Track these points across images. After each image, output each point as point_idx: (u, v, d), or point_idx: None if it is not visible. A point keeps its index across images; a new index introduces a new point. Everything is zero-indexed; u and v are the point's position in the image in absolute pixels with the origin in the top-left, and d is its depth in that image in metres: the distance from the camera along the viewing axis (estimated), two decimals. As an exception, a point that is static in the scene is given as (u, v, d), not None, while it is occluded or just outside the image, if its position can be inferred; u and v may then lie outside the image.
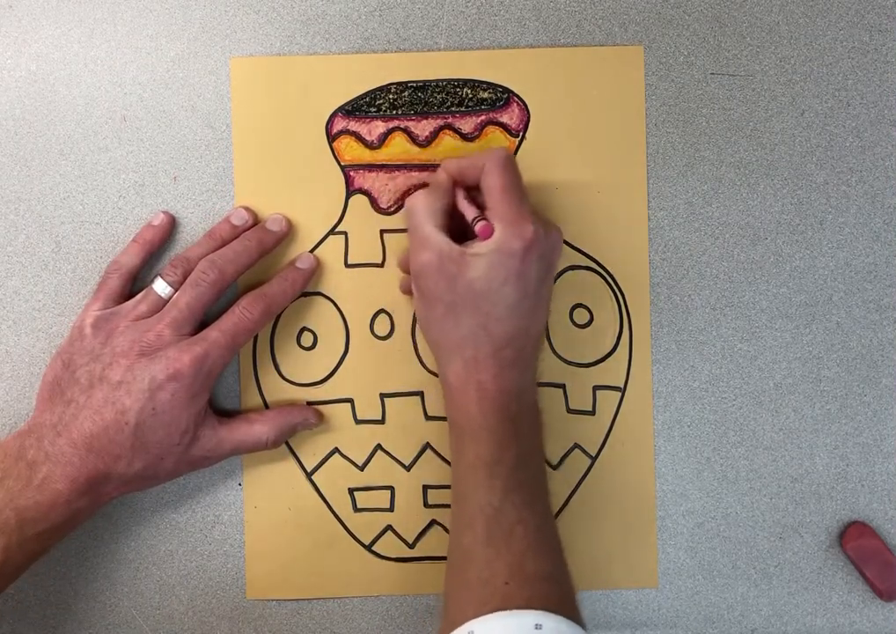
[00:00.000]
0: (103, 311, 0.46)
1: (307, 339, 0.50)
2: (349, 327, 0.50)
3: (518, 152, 0.50)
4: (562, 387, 0.50)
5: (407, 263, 0.48)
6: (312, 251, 0.49)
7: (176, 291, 0.46)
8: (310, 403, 0.50)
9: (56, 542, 0.44)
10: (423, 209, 0.44)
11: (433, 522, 0.50)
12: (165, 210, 0.49)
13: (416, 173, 0.50)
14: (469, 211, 0.45)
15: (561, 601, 0.40)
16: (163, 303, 0.46)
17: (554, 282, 0.49)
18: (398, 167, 0.50)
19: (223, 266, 0.46)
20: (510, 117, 0.50)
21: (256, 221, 0.49)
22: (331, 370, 0.50)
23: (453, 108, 0.49)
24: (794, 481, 0.50)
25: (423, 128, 0.49)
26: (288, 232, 0.49)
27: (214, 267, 0.46)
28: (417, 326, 0.49)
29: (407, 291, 0.49)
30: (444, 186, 0.45)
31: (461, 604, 0.40)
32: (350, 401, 0.50)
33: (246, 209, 0.49)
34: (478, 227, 0.43)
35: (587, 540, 0.50)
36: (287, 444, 0.49)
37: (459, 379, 0.43)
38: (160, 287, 0.46)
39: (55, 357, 0.46)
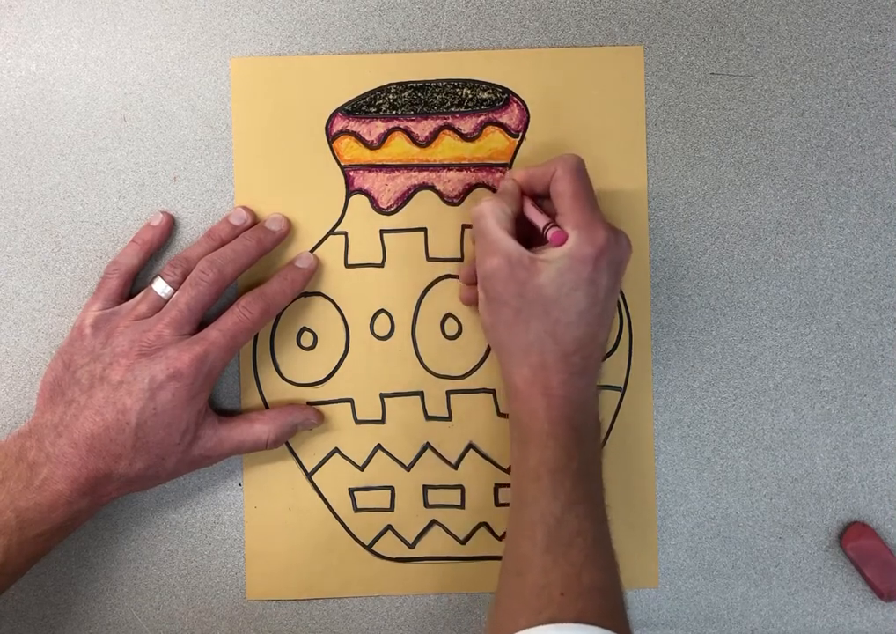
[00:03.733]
0: (103, 311, 0.46)
1: (307, 339, 0.50)
2: (349, 327, 0.50)
3: (518, 152, 0.50)
4: (562, 386, 0.50)
5: (469, 276, 0.48)
6: (311, 251, 0.49)
7: (176, 290, 0.46)
8: (310, 403, 0.50)
9: (57, 543, 0.44)
10: (493, 214, 0.44)
11: (433, 522, 0.50)
12: (164, 210, 0.49)
13: (416, 173, 0.50)
14: (539, 219, 0.44)
15: (612, 615, 0.40)
16: (162, 303, 0.46)
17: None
18: (398, 167, 0.50)
19: (222, 265, 0.46)
20: (509, 117, 0.50)
21: (255, 221, 0.49)
22: (331, 370, 0.50)
23: (453, 108, 0.49)
24: (794, 481, 0.50)
25: (423, 128, 0.49)
26: (288, 232, 0.49)
27: (213, 266, 0.46)
28: (417, 329, 0.49)
29: (468, 301, 0.49)
30: (512, 193, 0.45)
31: (513, 611, 0.40)
32: (350, 401, 0.50)
33: (246, 208, 0.49)
34: (550, 234, 0.43)
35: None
36: (287, 444, 0.49)
37: (526, 383, 0.43)
38: (160, 287, 0.46)
39: (55, 357, 0.46)
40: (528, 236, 0.45)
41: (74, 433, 0.43)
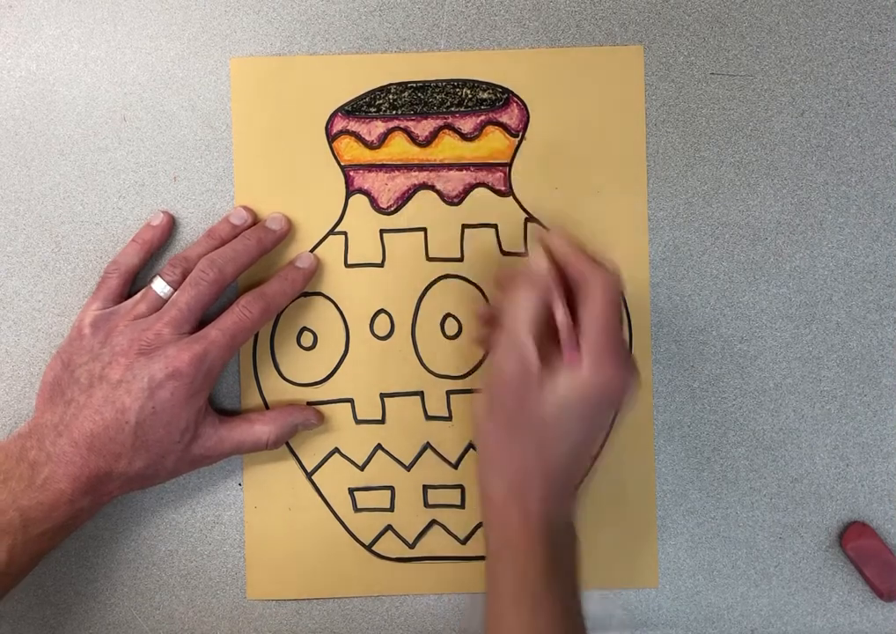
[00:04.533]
0: (102, 311, 0.46)
1: (307, 339, 0.50)
2: (349, 327, 0.50)
3: (518, 152, 0.50)
4: (562, 386, 0.50)
5: (487, 316, 0.47)
6: (311, 251, 0.49)
7: (175, 290, 0.46)
8: (310, 403, 0.50)
9: (59, 542, 0.44)
10: (527, 313, 0.41)
11: (433, 522, 0.50)
12: (164, 210, 0.49)
13: (416, 173, 0.50)
14: (564, 327, 0.42)
15: None
16: (162, 302, 0.46)
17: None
18: (398, 167, 0.50)
19: (222, 265, 0.46)
20: (509, 117, 0.50)
21: (256, 220, 0.49)
22: (331, 370, 0.50)
23: (453, 108, 0.49)
24: (794, 481, 0.50)
25: (423, 128, 0.49)
26: (288, 231, 0.49)
27: (213, 266, 0.46)
28: (417, 329, 0.49)
29: (482, 343, 0.48)
30: (546, 289, 0.42)
31: None
32: (350, 401, 0.50)
33: (246, 208, 0.49)
34: (567, 354, 0.41)
35: (587, 539, 0.49)
36: (287, 444, 0.49)
37: (502, 497, 0.42)
38: (159, 287, 0.46)
39: (54, 357, 0.46)
40: (550, 324, 0.42)
41: (74, 432, 0.43)
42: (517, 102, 0.50)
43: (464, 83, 0.49)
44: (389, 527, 0.50)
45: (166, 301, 0.46)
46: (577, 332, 0.41)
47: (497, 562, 0.43)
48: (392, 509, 0.50)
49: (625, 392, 0.42)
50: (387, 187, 0.50)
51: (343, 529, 0.50)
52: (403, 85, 0.49)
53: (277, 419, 0.48)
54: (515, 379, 0.41)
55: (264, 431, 0.47)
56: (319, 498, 0.50)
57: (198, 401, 0.45)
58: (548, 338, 0.42)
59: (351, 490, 0.50)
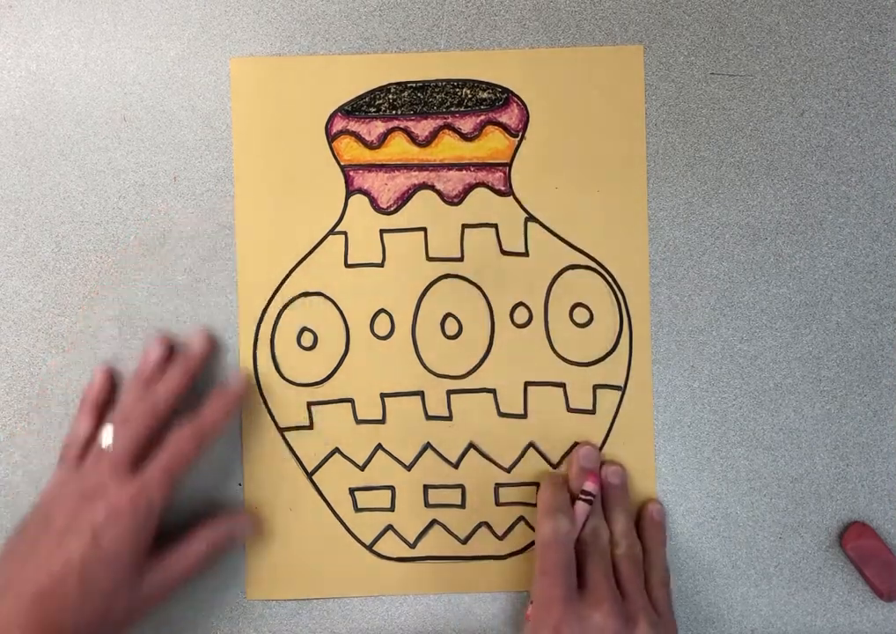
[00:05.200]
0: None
1: (307, 339, 0.50)
2: (349, 327, 0.50)
3: (518, 152, 0.50)
4: (563, 386, 0.50)
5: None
6: (311, 251, 0.49)
7: None
8: (310, 403, 0.50)
9: None
10: (565, 547, 0.45)
11: (434, 522, 0.50)
12: (100, 367, 0.49)
13: (416, 173, 0.50)
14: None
15: None
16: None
17: (554, 281, 0.49)
18: (397, 167, 0.50)
19: (154, 402, 0.46)
20: (509, 117, 0.50)
21: (174, 347, 0.49)
22: (331, 370, 0.50)
23: (453, 108, 0.49)
24: (794, 481, 0.50)
25: (423, 128, 0.49)
26: (210, 348, 0.49)
27: (145, 403, 0.46)
28: (417, 329, 0.50)
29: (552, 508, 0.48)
30: (582, 517, 0.47)
31: None
32: (351, 401, 0.50)
33: (161, 340, 0.48)
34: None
35: (587, 540, 0.50)
36: (287, 444, 0.49)
37: None
38: (106, 439, 0.46)
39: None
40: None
41: (21, 593, 0.41)
42: (517, 102, 0.50)
43: (464, 83, 0.49)
44: (389, 527, 0.50)
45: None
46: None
47: None
48: (392, 509, 0.50)
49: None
50: (387, 187, 0.50)
51: (344, 529, 0.50)
52: (403, 85, 0.49)
53: (209, 535, 0.47)
54: (553, 615, 0.43)
55: (197, 543, 0.46)
56: (320, 498, 0.50)
57: (143, 540, 0.44)
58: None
59: (352, 490, 0.50)
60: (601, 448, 0.50)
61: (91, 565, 0.43)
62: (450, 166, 0.50)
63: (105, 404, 0.49)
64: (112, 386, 0.49)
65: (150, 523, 0.44)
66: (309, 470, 0.50)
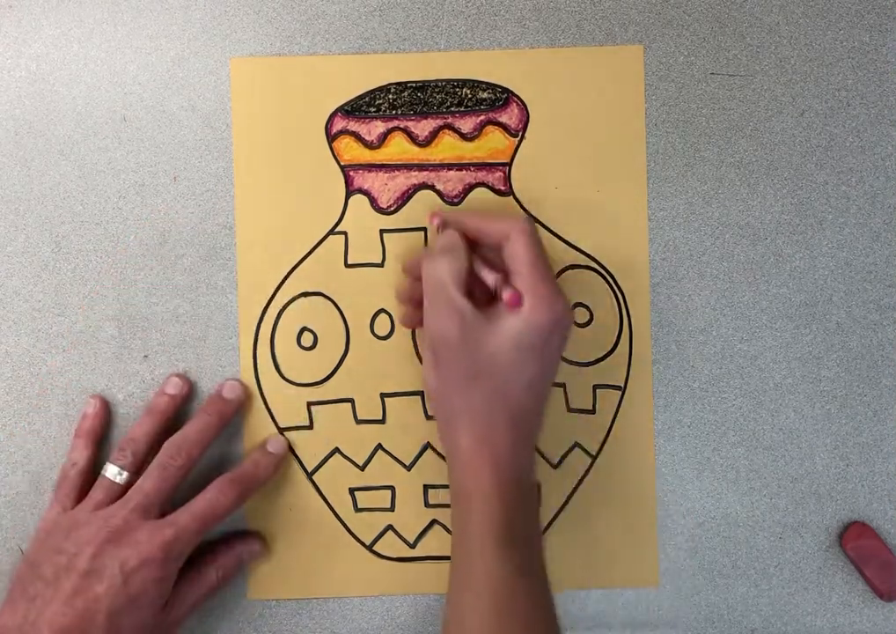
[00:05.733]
0: (64, 509, 0.46)
1: (307, 339, 0.50)
2: (349, 327, 0.50)
3: (518, 152, 0.50)
4: (563, 386, 0.50)
5: (412, 267, 0.47)
6: (311, 251, 0.49)
7: (130, 473, 0.46)
8: (310, 403, 0.50)
9: None
10: (449, 273, 0.43)
11: (434, 522, 0.50)
12: (95, 395, 0.49)
13: (416, 173, 0.50)
14: (489, 276, 0.44)
15: None
16: (118, 487, 0.46)
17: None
18: (397, 167, 0.50)
19: (189, 449, 0.46)
20: (509, 117, 0.50)
21: (190, 387, 0.49)
22: (331, 370, 0.50)
23: (453, 108, 0.49)
24: (794, 481, 0.50)
25: (423, 127, 0.49)
26: (245, 398, 0.49)
27: (181, 452, 0.46)
28: (417, 329, 0.49)
29: (404, 300, 0.49)
30: (461, 248, 0.44)
31: None
32: (351, 401, 0.50)
33: (180, 376, 0.49)
34: (506, 295, 0.42)
35: (587, 539, 0.50)
36: (287, 444, 0.49)
37: (472, 448, 0.42)
38: (112, 472, 0.46)
39: (21, 560, 0.46)
40: (472, 290, 0.44)
41: (42, 630, 0.41)
42: (516, 102, 0.50)
43: (464, 83, 0.49)
44: (390, 527, 0.50)
45: (122, 486, 0.46)
46: (508, 278, 0.43)
47: (468, 512, 0.43)
48: (392, 509, 0.50)
49: (568, 318, 0.43)
50: (387, 187, 0.50)
51: (344, 529, 0.50)
52: (403, 85, 0.49)
53: (219, 556, 0.47)
54: (456, 334, 0.42)
55: (210, 570, 0.47)
56: (320, 498, 0.50)
57: (169, 582, 0.44)
58: (474, 298, 0.43)
59: (352, 490, 0.50)
60: (602, 447, 0.50)
61: (120, 610, 0.42)
62: (450, 166, 0.50)
63: (101, 433, 0.49)
64: (107, 414, 0.49)
65: (177, 567, 0.44)
66: (309, 470, 0.50)
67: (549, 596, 0.42)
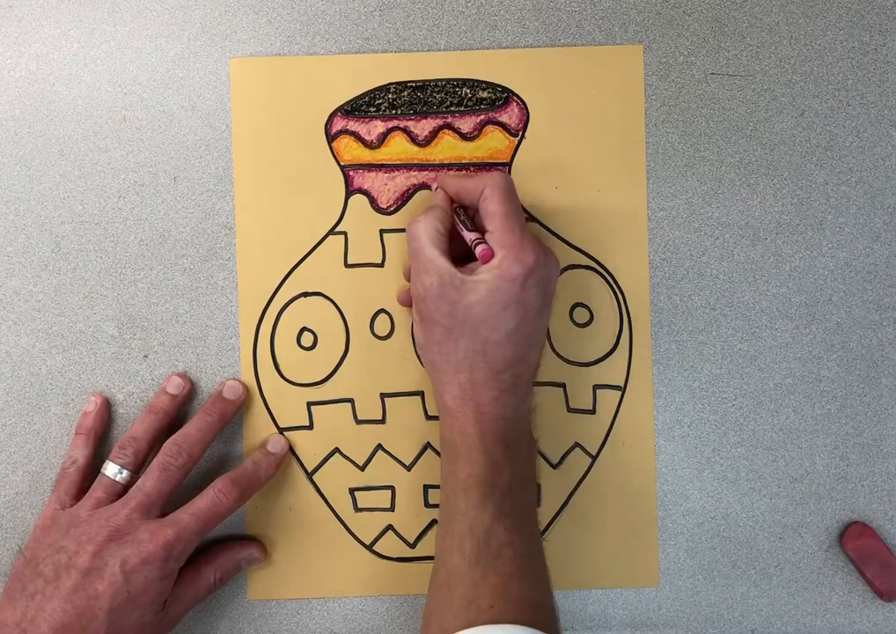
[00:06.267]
0: (63, 506, 0.46)
1: (307, 339, 0.50)
2: (349, 327, 0.50)
3: (518, 152, 0.50)
4: (563, 385, 0.50)
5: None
6: (311, 251, 0.49)
7: (130, 472, 0.46)
8: (310, 403, 0.50)
9: None
10: (425, 233, 0.44)
11: (434, 522, 0.50)
12: (96, 393, 0.49)
13: (416, 173, 0.50)
14: (467, 234, 0.45)
15: (546, 628, 0.39)
16: (118, 486, 0.46)
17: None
18: (397, 167, 0.50)
19: (190, 449, 0.46)
20: (509, 117, 0.50)
21: (191, 387, 0.49)
22: (331, 370, 0.50)
23: (453, 108, 0.49)
24: (794, 481, 0.50)
25: (423, 127, 0.49)
26: (246, 397, 0.49)
27: (182, 451, 0.46)
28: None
29: (404, 302, 0.49)
30: (443, 207, 0.46)
31: (444, 625, 0.40)
32: (351, 401, 0.50)
33: (181, 376, 0.49)
34: (478, 251, 0.43)
35: (588, 539, 0.50)
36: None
37: (456, 401, 0.43)
38: (112, 471, 0.46)
39: (18, 557, 0.46)
40: (463, 250, 0.45)
41: (42, 626, 0.42)
42: (516, 102, 0.50)
43: (464, 82, 0.49)
44: (390, 527, 0.50)
45: (122, 484, 0.46)
46: (485, 237, 0.44)
47: (453, 463, 0.43)
48: (392, 509, 0.50)
49: (545, 268, 0.43)
50: (387, 186, 0.50)
51: (344, 529, 0.50)
52: (403, 85, 0.49)
53: (217, 560, 0.48)
54: (435, 290, 0.43)
55: (209, 571, 0.47)
56: (320, 498, 0.50)
57: (169, 581, 0.44)
58: (455, 255, 0.44)
59: (352, 490, 0.50)
60: (602, 447, 0.50)
61: (120, 607, 0.43)
62: (450, 166, 0.49)
63: (101, 431, 0.49)
64: (108, 412, 0.49)
65: (178, 565, 0.45)
66: (309, 470, 0.50)
67: (536, 547, 0.43)
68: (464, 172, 0.49)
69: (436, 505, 0.50)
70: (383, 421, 0.50)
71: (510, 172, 0.50)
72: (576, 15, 0.50)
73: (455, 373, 0.43)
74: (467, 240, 0.44)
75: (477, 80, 0.49)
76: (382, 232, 0.50)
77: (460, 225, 0.45)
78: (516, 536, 0.41)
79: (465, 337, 0.43)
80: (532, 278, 0.42)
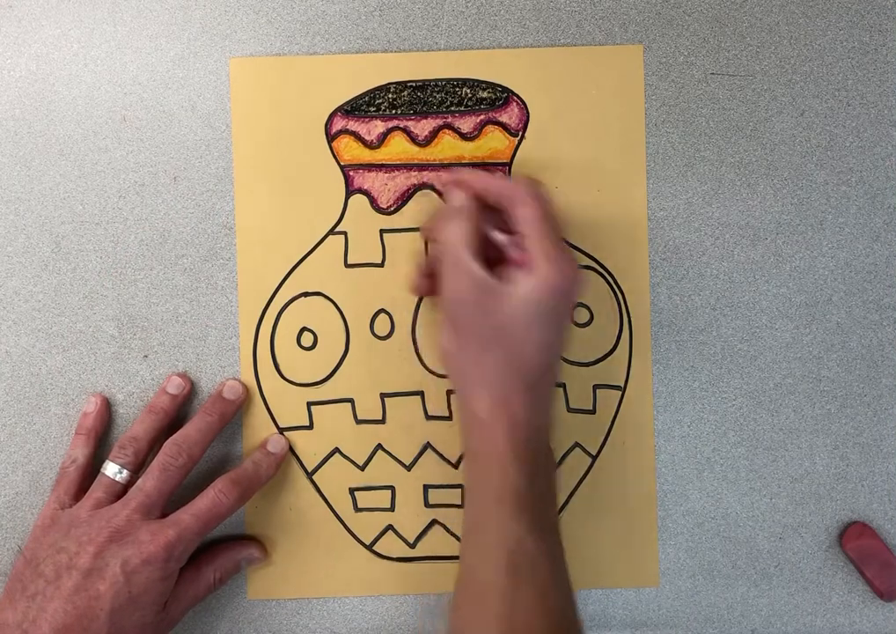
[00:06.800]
0: (62, 506, 0.46)
1: (307, 339, 0.50)
2: (349, 327, 0.50)
3: (518, 152, 0.50)
4: (563, 385, 0.50)
5: (431, 232, 0.47)
6: (311, 251, 0.49)
7: (130, 472, 0.46)
8: (310, 403, 0.50)
9: None
10: (460, 238, 0.42)
11: (434, 522, 0.50)
12: (96, 393, 0.49)
13: (416, 173, 0.50)
14: (499, 237, 0.44)
15: None
16: (118, 486, 0.46)
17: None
18: (397, 167, 0.50)
19: (190, 449, 0.46)
20: (509, 117, 0.50)
21: (192, 387, 0.49)
22: (331, 370, 0.50)
23: (453, 108, 0.49)
24: (794, 481, 0.50)
25: (423, 127, 0.49)
26: (245, 398, 0.49)
27: (182, 451, 0.46)
28: (418, 329, 0.49)
29: (419, 291, 0.49)
30: (471, 211, 0.44)
31: None
32: (351, 401, 0.50)
33: (181, 376, 0.49)
34: (518, 260, 0.42)
35: (587, 539, 0.50)
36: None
37: (488, 411, 0.42)
38: (112, 471, 0.46)
39: (17, 557, 0.45)
40: (487, 252, 0.44)
41: (43, 627, 0.41)
42: (516, 101, 0.50)
43: (464, 82, 0.49)
44: (390, 527, 0.50)
45: (122, 484, 0.46)
46: (519, 241, 0.43)
47: (484, 473, 0.43)
48: (392, 509, 0.50)
49: (578, 282, 0.43)
50: (387, 186, 0.50)
51: (344, 529, 0.50)
52: (402, 85, 0.49)
53: (217, 559, 0.48)
54: (471, 296, 0.42)
55: (209, 571, 0.47)
56: (320, 498, 0.50)
57: (170, 582, 0.44)
58: (487, 260, 0.43)
59: (352, 490, 0.50)
60: (602, 447, 0.50)
61: (122, 608, 0.42)
62: (450, 166, 0.49)
63: (102, 431, 0.49)
64: (108, 412, 0.49)
65: (178, 566, 0.45)
66: (309, 470, 0.50)
67: (563, 558, 0.43)
68: (479, 173, 0.47)
69: (436, 505, 0.50)
70: (383, 421, 0.50)
71: (509, 172, 0.50)
72: (576, 15, 0.50)
73: (488, 384, 0.43)
74: (499, 243, 0.44)
75: (477, 80, 0.49)
76: (382, 231, 0.50)
77: (490, 227, 0.44)
78: (547, 545, 0.41)
79: (500, 347, 0.42)
80: (571, 291, 0.42)
